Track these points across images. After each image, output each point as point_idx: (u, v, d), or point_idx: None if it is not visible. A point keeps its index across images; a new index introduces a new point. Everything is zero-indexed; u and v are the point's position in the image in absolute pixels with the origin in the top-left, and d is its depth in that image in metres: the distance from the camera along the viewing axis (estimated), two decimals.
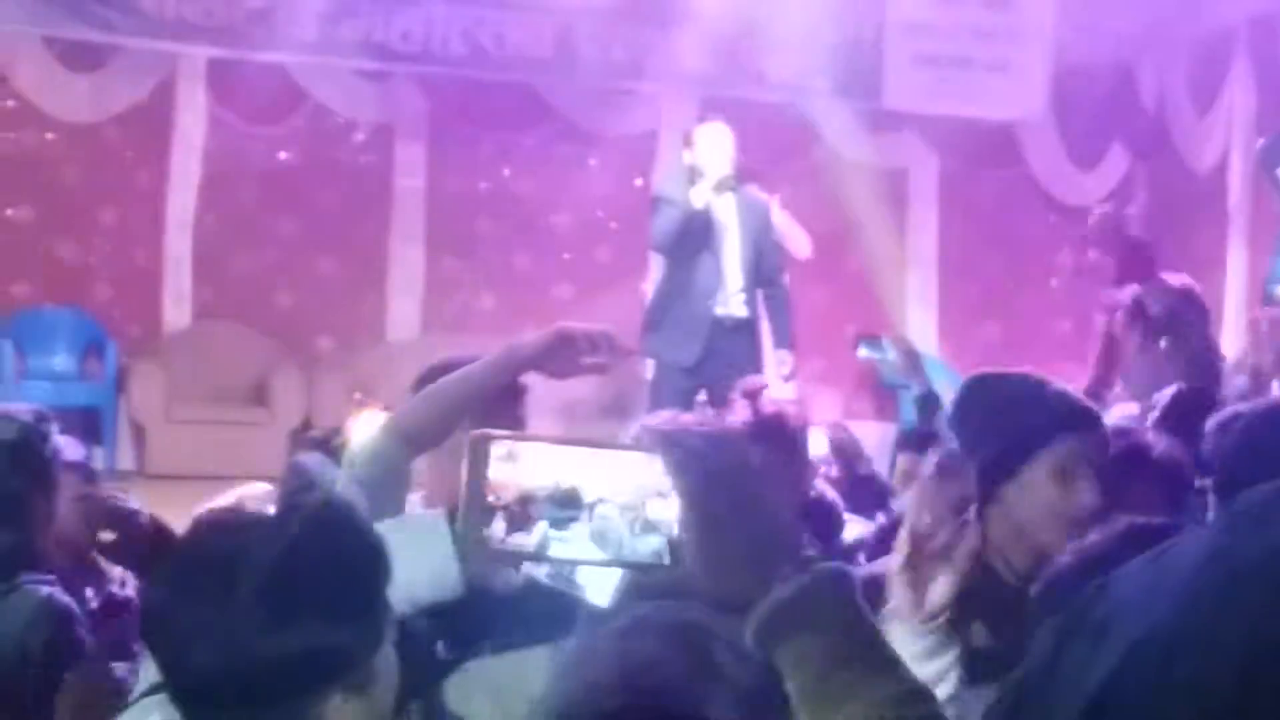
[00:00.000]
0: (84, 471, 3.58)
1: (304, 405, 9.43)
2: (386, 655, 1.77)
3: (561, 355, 2.64)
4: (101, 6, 9.07)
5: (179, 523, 3.54)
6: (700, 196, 7.14)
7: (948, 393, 3.54)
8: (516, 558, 1.38)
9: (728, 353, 7.09)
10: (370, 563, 1.78)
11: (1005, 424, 2.65)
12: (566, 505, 1.22)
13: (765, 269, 7.37)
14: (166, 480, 8.23)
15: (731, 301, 7.27)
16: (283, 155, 10.04)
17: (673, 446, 1.21)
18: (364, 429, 2.69)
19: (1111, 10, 9.85)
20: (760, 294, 7.39)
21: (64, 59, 9.44)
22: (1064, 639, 0.91)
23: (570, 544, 1.23)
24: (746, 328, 7.30)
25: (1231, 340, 9.26)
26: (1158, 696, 0.79)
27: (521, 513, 1.22)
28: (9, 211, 9.69)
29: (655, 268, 8.23)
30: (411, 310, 10.21)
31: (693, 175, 7.26)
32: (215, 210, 9.85)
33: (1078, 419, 2.67)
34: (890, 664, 1.14)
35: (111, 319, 9.66)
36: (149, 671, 2.09)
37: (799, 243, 8.15)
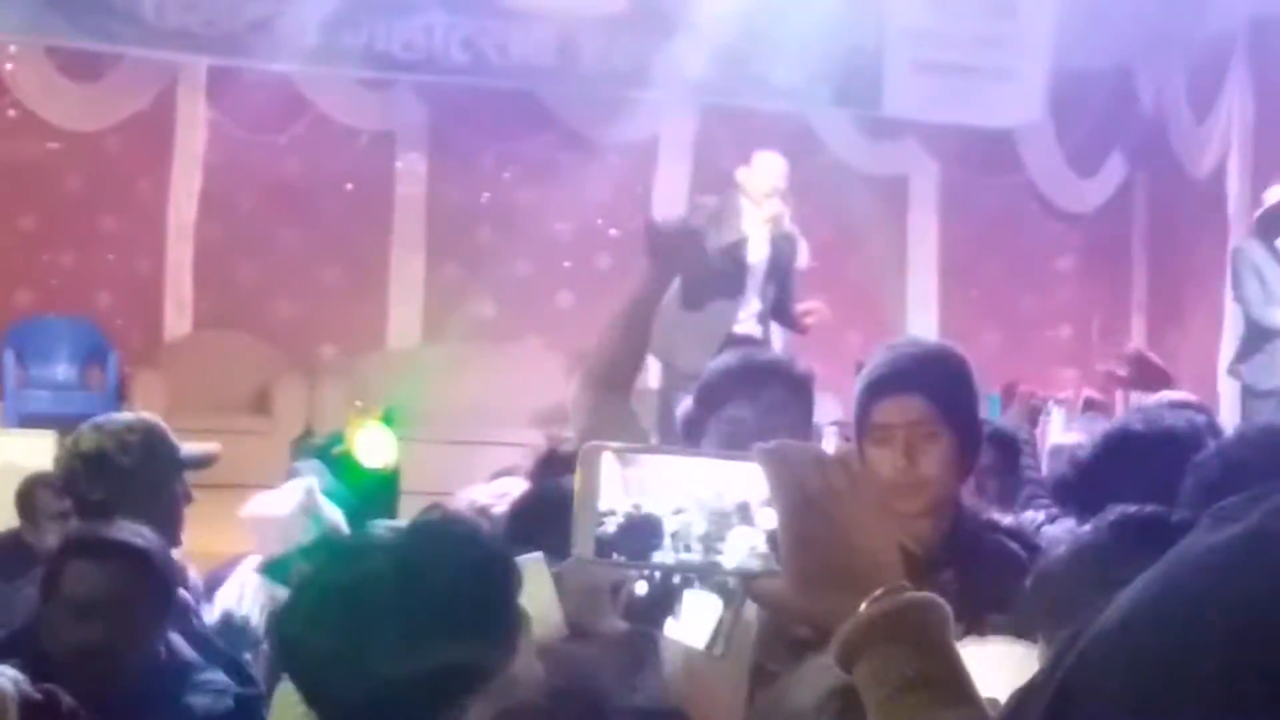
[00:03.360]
0: None
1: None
2: (527, 665, 1.77)
3: (663, 246, 2.77)
4: (103, 16, 9.08)
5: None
6: (748, 224, 7.39)
7: None
8: (625, 569, 1.39)
9: None
10: (496, 575, 1.79)
11: None
12: (677, 516, 1.22)
13: (782, 302, 7.58)
14: None
15: (745, 322, 7.45)
16: (284, 164, 10.05)
17: (775, 464, 1.22)
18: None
19: (1110, 17, 9.85)
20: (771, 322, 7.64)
21: (65, 68, 9.46)
22: (1075, 637, 0.94)
23: (681, 554, 1.23)
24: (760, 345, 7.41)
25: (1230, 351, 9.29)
26: (1119, 667, 0.88)
27: (633, 524, 1.22)
28: (10, 220, 9.71)
29: None
30: (412, 318, 10.22)
31: (742, 193, 7.48)
32: (216, 219, 9.87)
33: None
34: (965, 699, 1.14)
35: (113, 328, 9.67)
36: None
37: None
